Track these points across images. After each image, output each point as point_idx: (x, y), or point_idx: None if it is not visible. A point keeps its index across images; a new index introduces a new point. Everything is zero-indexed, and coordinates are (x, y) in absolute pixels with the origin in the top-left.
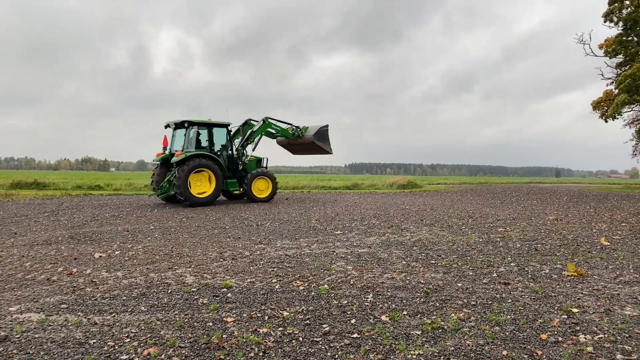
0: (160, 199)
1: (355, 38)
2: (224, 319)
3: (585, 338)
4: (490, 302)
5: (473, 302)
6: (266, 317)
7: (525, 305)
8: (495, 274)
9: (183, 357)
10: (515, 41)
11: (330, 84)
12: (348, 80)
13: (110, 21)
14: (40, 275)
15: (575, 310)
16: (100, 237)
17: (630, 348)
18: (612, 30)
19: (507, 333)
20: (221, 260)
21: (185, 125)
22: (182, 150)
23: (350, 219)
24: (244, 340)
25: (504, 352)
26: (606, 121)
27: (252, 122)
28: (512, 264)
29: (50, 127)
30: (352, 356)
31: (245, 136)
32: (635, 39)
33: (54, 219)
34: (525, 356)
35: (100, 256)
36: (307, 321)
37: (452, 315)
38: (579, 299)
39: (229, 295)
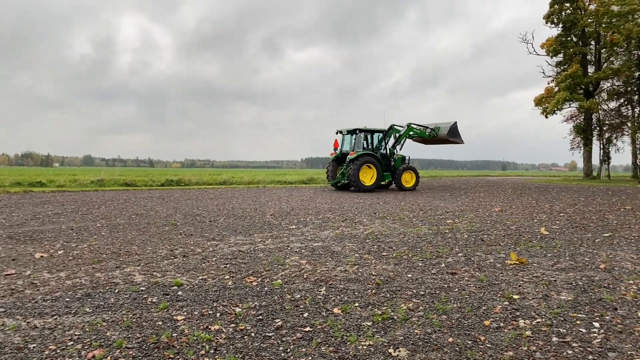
0: (334, 187)
1: (332, 32)
2: (174, 317)
3: (525, 323)
4: (438, 292)
5: (422, 292)
6: (218, 314)
7: (471, 294)
8: (443, 265)
9: (130, 358)
10: (486, 38)
11: (300, 78)
12: (318, 74)
13: (72, 9)
14: None
15: (516, 296)
16: (41, 237)
17: (565, 331)
18: (553, 31)
19: (453, 321)
20: (172, 257)
21: (357, 132)
22: (354, 151)
23: (305, 214)
24: (195, 338)
25: (450, 339)
26: (547, 117)
27: (396, 127)
28: (459, 254)
29: None
30: (304, 349)
31: (395, 139)
32: (574, 39)
33: None
34: (470, 342)
35: (42, 256)
36: (260, 316)
37: (402, 305)
38: (519, 286)
39: (180, 293)
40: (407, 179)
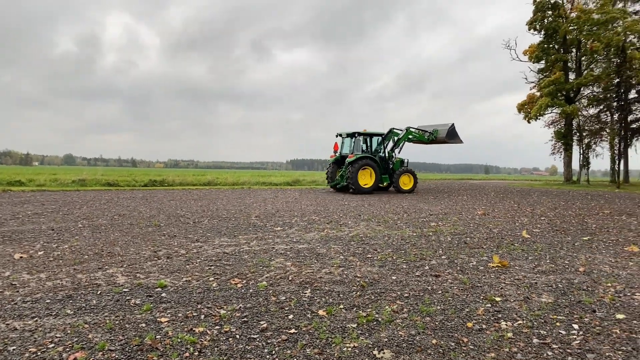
0: (333, 189)
1: (321, 35)
2: (158, 319)
3: (506, 325)
4: (422, 294)
5: (406, 294)
6: (202, 316)
7: (454, 296)
8: (427, 267)
9: None
10: (472, 44)
11: (287, 80)
12: (305, 76)
13: (57, 8)
14: None
15: (498, 299)
16: (21, 237)
17: (545, 333)
18: (536, 38)
19: (436, 323)
20: (155, 259)
21: (355, 135)
22: (353, 154)
23: (290, 215)
24: (179, 340)
25: (434, 341)
26: (529, 122)
27: (395, 130)
28: (443, 256)
29: None
30: (289, 351)
31: (394, 142)
32: (556, 46)
33: None
34: (453, 344)
35: (21, 257)
36: (245, 319)
37: (387, 307)
38: (501, 288)
39: (164, 295)
40: (405, 182)
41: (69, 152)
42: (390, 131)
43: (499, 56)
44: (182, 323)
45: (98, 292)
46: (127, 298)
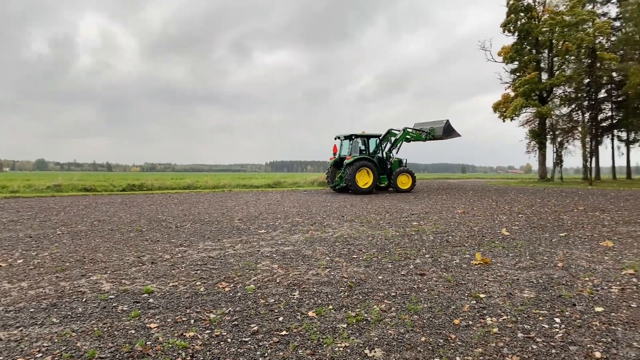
0: (333, 190)
1: (303, 36)
2: (147, 325)
3: (492, 320)
4: (408, 293)
5: (393, 294)
6: (192, 321)
7: (440, 294)
8: (412, 266)
9: None
10: (452, 44)
11: (268, 81)
12: (287, 78)
13: (29, 9)
14: None
15: (482, 295)
16: None
17: (529, 327)
18: (510, 39)
19: (424, 320)
20: (140, 264)
21: (352, 137)
22: (351, 155)
23: (273, 218)
24: (170, 345)
25: (423, 339)
26: (504, 121)
27: (393, 131)
28: (426, 255)
29: None
30: (281, 353)
31: (391, 143)
32: (529, 47)
33: None
34: (441, 340)
35: (0, 266)
36: (235, 322)
37: (375, 307)
38: (485, 285)
39: (151, 300)
40: (404, 181)
41: (41, 157)
42: (389, 132)
43: (477, 57)
44: (172, 328)
45: (83, 300)
46: (114, 305)
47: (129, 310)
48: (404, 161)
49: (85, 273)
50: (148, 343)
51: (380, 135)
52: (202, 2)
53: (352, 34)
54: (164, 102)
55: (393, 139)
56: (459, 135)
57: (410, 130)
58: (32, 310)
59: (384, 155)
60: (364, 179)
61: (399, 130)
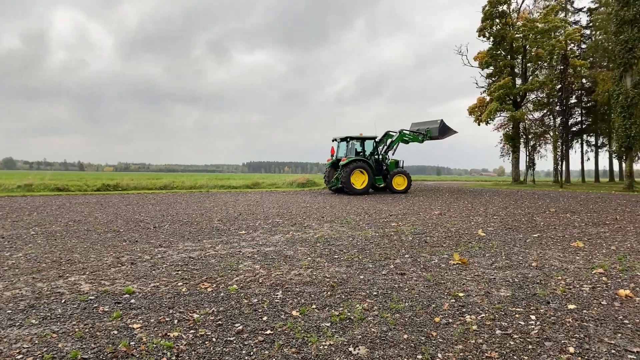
0: (330, 190)
1: (282, 37)
2: (130, 325)
3: (471, 318)
4: (390, 292)
5: (375, 293)
6: (175, 321)
7: (420, 293)
8: (392, 266)
9: None
10: (429, 48)
11: (246, 81)
12: (265, 78)
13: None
14: None
15: (461, 294)
16: None
17: (506, 324)
18: (486, 45)
19: (406, 319)
20: (119, 265)
21: (347, 139)
22: (346, 157)
23: (253, 218)
24: (154, 345)
25: (405, 336)
26: (479, 125)
27: (390, 132)
28: (406, 255)
29: None
30: (266, 352)
31: (387, 145)
32: (504, 53)
33: None
34: (423, 338)
35: None
36: (219, 322)
37: (357, 305)
38: (463, 284)
39: (133, 301)
40: (399, 182)
41: (8, 156)
42: (386, 134)
43: (454, 61)
44: (156, 328)
45: (62, 301)
46: (95, 306)
47: (110, 311)
48: (401, 162)
49: (63, 274)
50: (132, 343)
51: (376, 138)
52: (180, 1)
53: (332, 36)
54: (140, 101)
55: (389, 140)
56: (455, 132)
57: (406, 132)
58: (9, 311)
59: (380, 157)
60: (359, 180)
61: (395, 132)
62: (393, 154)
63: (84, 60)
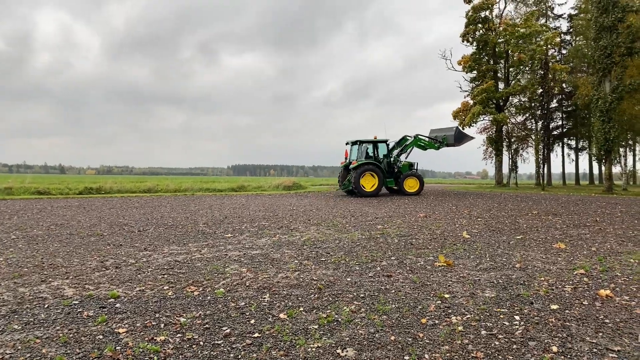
0: (343, 192)
1: (271, 39)
2: (116, 330)
3: (457, 319)
4: (377, 294)
5: (362, 295)
6: (162, 325)
7: (407, 295)
8: (379, 268)
9: None
10: (417, 52)
11: (235, 84)
12: (253, 81)
13: None
14: None
15: (447, 295)
16: None
17: (491, 325)
18: (469, 49)
19: (393, 320)
20: (103, 269)
21: (359, 143)
22: (357, 160)
23: (239, 221)
24: (141, 350)
25: (392, 338)
26: (463, 128)
27: (407, 137)
28: (392, 257)
29: None
30: (255, 355)
31: (401, 148)
32: (487, 57)
33: None
34: (410, 339)
35: None
36: (206, 325)
37: (345, 308)
38: (449, 285)
39: (118, 305)
40: (411, 185)
41: None
42: (403, 138)
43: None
44: (142, 333)
45: (45, 306)
46: (79, 310)
47: (95, 315)
48: (415, 165)
49: (45, 278)
50: (118, 348)
51: (388, 141)
52: (169, 3)
53: (321, 39)
54: (125, 103)
55: (405, 144)
56: (472, 138)
57: (421, 137)
58: None
59: (393, 160)
60: (369, 183)
61: (410, 137)
62: (407, 157)
63: (68, 62)
